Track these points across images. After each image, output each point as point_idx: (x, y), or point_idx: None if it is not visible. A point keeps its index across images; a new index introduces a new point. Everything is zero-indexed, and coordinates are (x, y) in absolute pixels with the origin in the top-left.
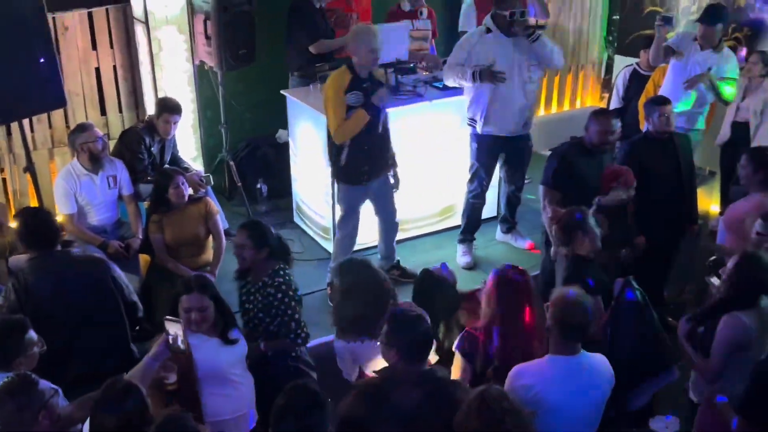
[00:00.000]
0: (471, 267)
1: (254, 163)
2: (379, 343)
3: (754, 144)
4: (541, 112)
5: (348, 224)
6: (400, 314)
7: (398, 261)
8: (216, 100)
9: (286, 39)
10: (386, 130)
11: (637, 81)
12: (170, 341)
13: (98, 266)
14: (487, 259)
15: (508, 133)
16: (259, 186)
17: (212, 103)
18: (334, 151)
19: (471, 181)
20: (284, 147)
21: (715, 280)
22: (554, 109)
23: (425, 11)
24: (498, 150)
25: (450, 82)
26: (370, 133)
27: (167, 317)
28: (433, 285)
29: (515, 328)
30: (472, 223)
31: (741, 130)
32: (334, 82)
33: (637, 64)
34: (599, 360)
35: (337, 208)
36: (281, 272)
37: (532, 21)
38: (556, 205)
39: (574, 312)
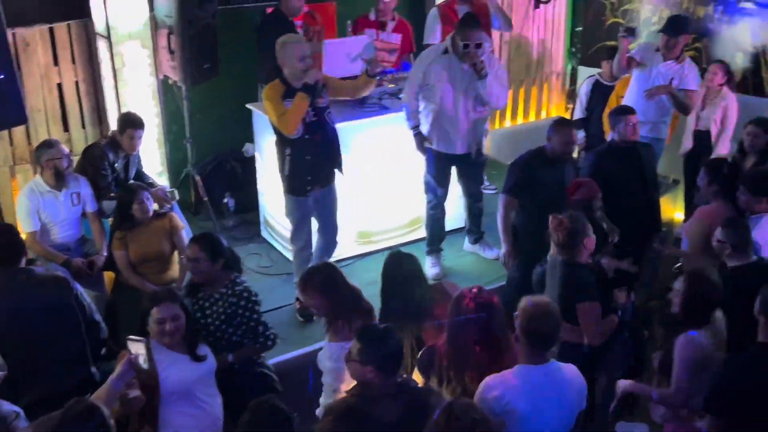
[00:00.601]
0: (440, 278)
1: (221, 177)
2: (347, 362)
3: (715, 152)
4: (507, 123)
5: (300, 237)
6: (369, 330)
7: None
8: (181, 114)
9: (258, 50)
10: (329, 141)
11: (599, 91)
12: (133, 360)
13: (60, 286)
14: (457, 270)
15: (456, 152)
16: (225, 200)
17: (177, 118)
18: (280, 161)
19: (426, 191)
20: (251, 161)
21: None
22: (520, 119)
23: (392, 24)
24: (448, 164)
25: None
26: (312, 142)
27: (129, 337)
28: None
29: (467, 356)
30: (435, 234)
31: (703, 139)
32: (270, 92)
33: (599, 74)
34: (570, 369)
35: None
36: (238, 281)
37: (488, 49)
38: (512, 210)
39: (541, 321)
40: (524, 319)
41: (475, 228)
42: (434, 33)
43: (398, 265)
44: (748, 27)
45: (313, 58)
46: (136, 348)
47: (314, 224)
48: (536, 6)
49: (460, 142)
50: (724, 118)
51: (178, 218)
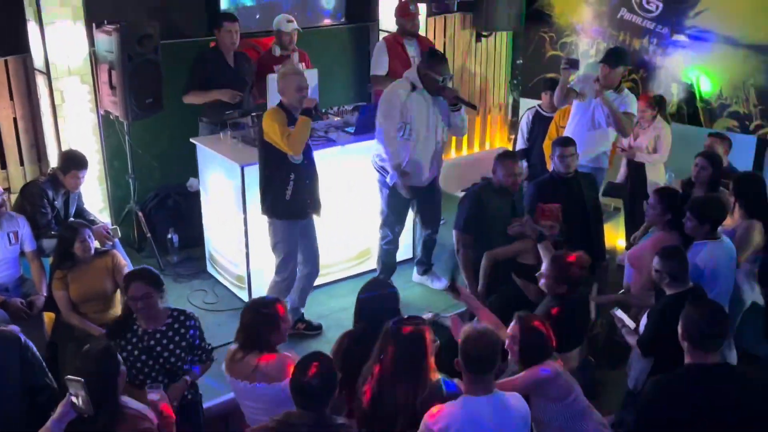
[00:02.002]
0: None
1: (164, 212)
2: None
3: (649, 180)
4: (452, 154)
5: (288, 266)
6: (299, 363)
7: (303, 314)
8: (123, 150)
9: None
10: (316, 168)
11: (539, 122)
12: (74, 401)
13: (4, 345)
14: (405, 301)
15: (420, 184)
16: (169, 236)
17: (119, 154)
18: (277, 187)
19: (382, 227)
20: (195, 195)
21: (619, 313)
22: (465, 151)
23: (296, 55)
24: (411, 199)
25: (377, 140)
26: (311, 167)
27: (68, 377)
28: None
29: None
30: (387, 268)
31: (636, 168)
32: (275, 117)
33: (539, 106)
34: (515, 399)
35: (254, 249)
36: (174, 307)
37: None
38: (470, 247)
39: (477, 343)
40: (462, 342)
41: (426, 259)
42: (381, 65)
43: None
44: (681, 58)
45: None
46: (76, 388)
47: None
48: (478, 39)
49: (429, 175)
50: (657, 147)
51: (121, 256)
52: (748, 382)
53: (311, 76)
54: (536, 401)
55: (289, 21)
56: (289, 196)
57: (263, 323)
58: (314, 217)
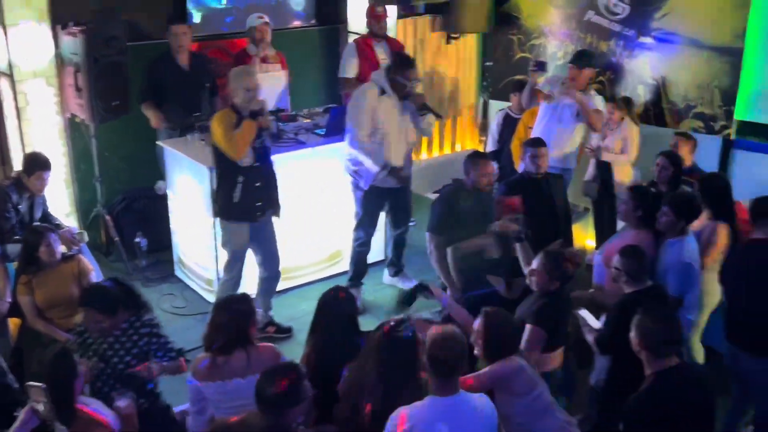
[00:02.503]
0: (360, 312)
1: (132, 216)
2: None
3: (616, 180)
4: (424, 155)
5: (235, 266)
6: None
7: (272, 317)
8: (89, 153)
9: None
10: (274, 171)
11: (509, 124)
12: (36, 408)
13: None
14: (376, 303)
15: (393, 185)
16: (137, 240)
17: (85, 157)
18: (226, 189)
19: (356, 229)
20: (163, 198)
21: (583, 313)
22: (436, 152)
23: (272, 55)
24: (382, 200)
25: (349, 145)
26: (263, 169)
27: (29, 383)
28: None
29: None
30: (359, 270)
31: (603, 167)
32: (222, 119)
33: (509, 108)
34: (480, 399)
35: (223, 253)
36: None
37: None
38: (442, 249)
39: (443, 347)
40: (429, 345)
41: (397, 260)
42: (351, 67)
43: (336, 304)
44: (647, 60)
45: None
46: (37, 394)
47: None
48: (447, 41)
49: (400, 177)
50: (624, 148)
51: (87, 260)
52: (704, 377)
53: (279, 79)
54: (500, 396)
55: (259, 17)
56: (238, 199)
57: (243, 318)
58: (274, 219)
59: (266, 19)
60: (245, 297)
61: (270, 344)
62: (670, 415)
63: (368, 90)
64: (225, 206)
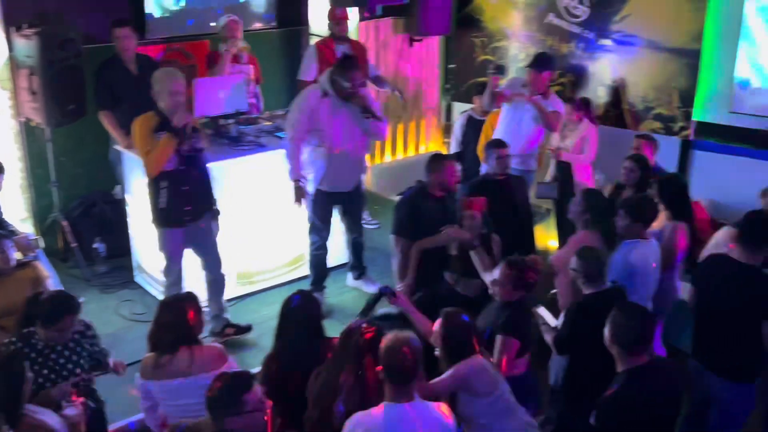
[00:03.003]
0: (324, 316)
1: (90, 221)
2: None
3: (576, 180)
4: (388, 158)
5: (173, 271)
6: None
7: (229, 318)
8: (45, 157)
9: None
10: (206, 173)
11: (472, 126)
12: None
13: None
14: (340, 306)
15: (342, 189)
16: (96, 246)
17: (41, 161)
18: (151, 194)
19: (310, 233)
20: (122, 203)
21: (541, 310)
22: (400, 154)
23: (245, 56)
24: (332, 203)
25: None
26: (190, 173)
27: None
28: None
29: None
30: (319, 274)
31: (564, 169)
32: (142, 124)
33: (472, 110)
34: (437, 407)
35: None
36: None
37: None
38: (406, 251)
39: (397, 355)
40: (383, 353)
41: (358, 263)
42: (310, 70)
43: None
44: (607, 62)
45: (185, 100)
46: None
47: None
48: (410, 44)
49: (349, 180)
50: (583, 148)
51: (44, 267)
52: (677, 372)
53: (241, 82)
54: (463, 397)
55: (229, 16)
56: (163, 204)
57: (188, 316)
58: (214, 223)
59: (235, 17)
60: (191, 295)
61: (216, 345)
62: (642, 412)
63: (311, 91)
64: (153, 212)
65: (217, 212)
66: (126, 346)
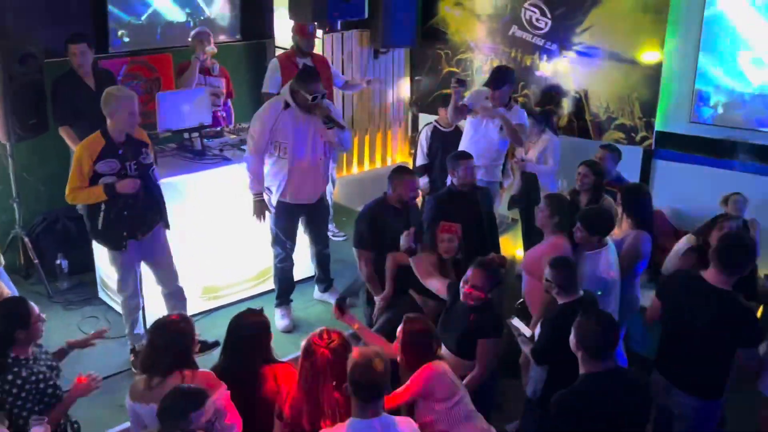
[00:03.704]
0: (290, 330)
1: (53, 237)
2: None
3: (542, 189)
4: (354, 169)
5: (127, 287)
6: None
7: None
8: (6, 173)
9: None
10: (154, 189)
11: (438, 137)
12: None
13: None
14: (308, 320)
15: (305, 201)
16: (58, 262)
17: (2, 177)
18: (91, 215)
19: (273, 245)
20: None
21: (515, 322)
22: (367, 166)
23: (217, 67)
24: (296, 214)
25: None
26: (133, 199)
27: None
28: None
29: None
30: (284, 287)
31: (530, 178)
32: (85, 150)
33: (437, 121)
34: (404, 422)
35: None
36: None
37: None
38: (370, 263)
39: (365, 370)
40: (350, 369)
41: (324, 276)
42: (274, 82)
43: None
44: (570, 74)
45: (136, 121)
46: None
47: None
48: (375, 56)
49: (313, 192)
50: (546, 158)
51: (3, 284)
52: (636, 381)
53: (204, 95)
54: (421, 403)
55: (199, 32)
56: (101, 226)
57: (184, 339)
58: (167, 234)
59: (205, 29)
60: (185, 317)
61: (210, 372)
62: (599, 419)
63: (272, 103)
64: (92, 231)
65: (166, 225)
66: (89, 363)
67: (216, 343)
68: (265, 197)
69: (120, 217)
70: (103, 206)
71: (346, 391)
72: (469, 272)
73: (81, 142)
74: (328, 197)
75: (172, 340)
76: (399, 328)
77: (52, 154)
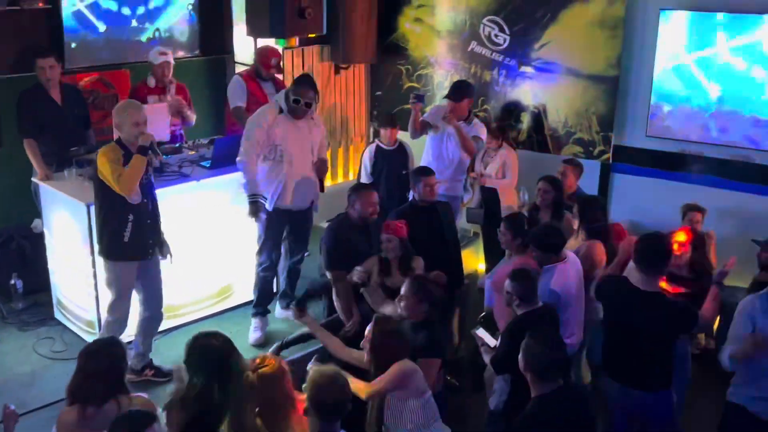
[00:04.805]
0: (262, 343)
1: (6, 256)
2: None
3: (502, 203)
4: None
5: (121, 307)
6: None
7: (152, 360)
8: None
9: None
10: (157, 204)
11: (381, 156)
12: None
13: None
14: (270, 339)
15: (296, 207)
16: (13, 281)
17: None
18: (114, 227)
19: (259, 253)
20: (41, 238)
21: (480, 332)
22: (329, 181)
23: (173, 87)
24: (285, 222)
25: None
26: (150, 206)
27: None
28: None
29: None
30: (263, 296)
31: (489, 192)
32: (108, 155)
33: (378, 140)
34: None
35: (107, 293)
36: None
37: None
38: (342, 281)
39: (327, 390)
40: (311, 388)
41: (291, 291)
42: (241, 96)
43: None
44: (529, 89)
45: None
46: None
47: None
48: (336, 71)
49: (306, 197)
50: (505, 172)
51: None
52: (581, 393)
53: (161, 112)
54: (394, 400)
55: (161, 53)
56: (128, 238)
57: (119, 365)
58: (159, 258)
59: (168, 57)
60: (116, 341)
61: (145, 396)
62: None
63: (268, 108)
64: (113, 246)
65: (165, 246)
66: (44, 386)
67: (170, 373)
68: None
69: (145, 225)
70: (131, 217)
71: (305, 413)
72: (402, 289)
73: (100, 150)
74: None
75: (108, 366)
76: (368, 328)
77: (6, 172)
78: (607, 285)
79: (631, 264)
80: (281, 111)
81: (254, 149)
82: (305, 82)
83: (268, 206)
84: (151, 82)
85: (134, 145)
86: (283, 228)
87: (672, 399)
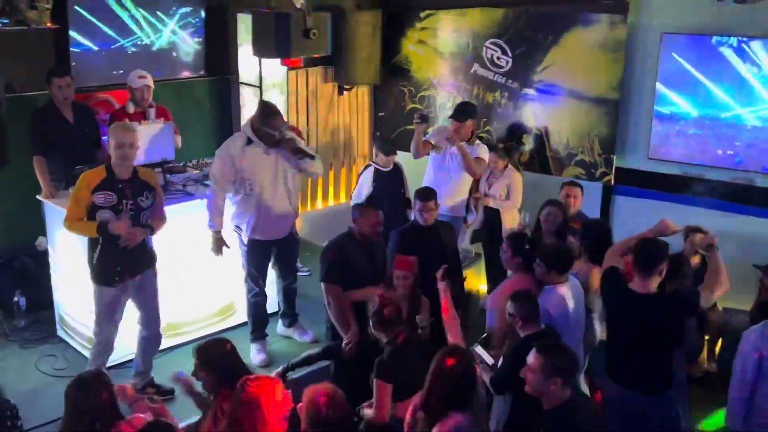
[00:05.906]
0: (267, 364)
1: (10, 274)
2: None
3: (504, 225)
4: (319, 205)
5: (105, 330)
6: None
7: (153, 378)
8: None
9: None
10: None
11: (379, 178)
12: None
13: None
14: (272, 357)
15: (276, 237)
16: (16, 299)
17: None
18: (89, 249)
19: (246, 281)
20: (45, 255)
21: (478, 350)
22: (331, 201)
23: (153, 111)
24: (267, 250)
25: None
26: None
27: None
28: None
29: None
30: (258, 321)
31: (492, 213)
32: (84, 178)
33: (375, 162)
34: None
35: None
36: None
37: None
38: (338, 298)
39: (330, 411)
40: (310, 410)
41: (290, 311)
42: None
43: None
44: (531, 111)
45: (134, 154)
46: None
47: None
48: (340, 93)
49: (282, 226)
50: (509, 194)
51: None
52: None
53: (166, 130)
54: None
55: (141, 77)
56: (96, 260)
57: (112, 397)
58: (156, 276)
59: (147, 81)
60: (100, 372)
61: (142, 415)
62: None
63: (233, 140)
64: (89, 267)
65: (148, 269)
66: (46, 403)
67: (172, 391)
68: (237, 236)
69: (115, 253)
70: (100, 240)
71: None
72: None
73: (84, 172)
74: None
75: (102, 398)
76: (433, 363)
77: (11, 191)
78: (608, 280)
79: None
80: (249, 141)
81: (220, 184)
82: (274, 112)
83: (244, 238)
84: (130, 108)
85: (117, 166)
86: (266, 256)
87: (672, 400)
